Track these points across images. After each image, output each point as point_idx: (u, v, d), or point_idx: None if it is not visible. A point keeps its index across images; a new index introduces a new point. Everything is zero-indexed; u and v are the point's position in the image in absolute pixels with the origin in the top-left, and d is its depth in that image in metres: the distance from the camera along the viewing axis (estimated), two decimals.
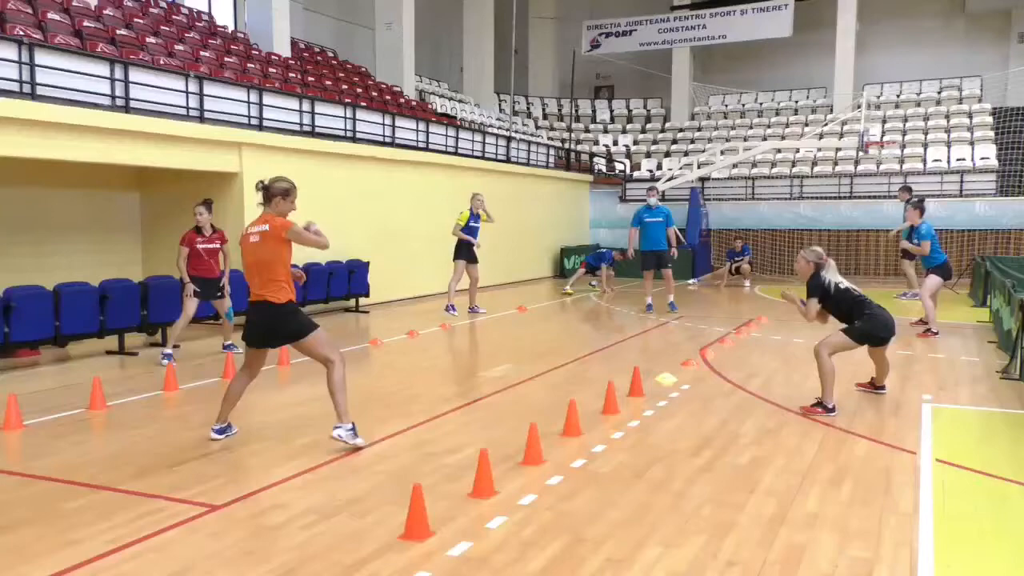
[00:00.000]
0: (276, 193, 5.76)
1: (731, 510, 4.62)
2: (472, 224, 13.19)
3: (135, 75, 10.77)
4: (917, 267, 13.79)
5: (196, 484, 5.05)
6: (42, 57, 9.66)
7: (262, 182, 5.80)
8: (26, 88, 9.39)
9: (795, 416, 6.78)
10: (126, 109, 10.49)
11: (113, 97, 10.43)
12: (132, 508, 4.64)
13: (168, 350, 9.12)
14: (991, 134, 22.93)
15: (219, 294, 9.58)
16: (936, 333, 10.92)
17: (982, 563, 4.00)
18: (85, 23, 12.14)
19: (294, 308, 5.72)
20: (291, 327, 5.70)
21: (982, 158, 21.71)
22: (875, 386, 7.55)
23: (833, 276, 6.98)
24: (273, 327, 5.71)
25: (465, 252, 13.25)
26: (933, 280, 11.17)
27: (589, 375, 8.57)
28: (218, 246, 9.53)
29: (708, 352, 9.80)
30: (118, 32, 12.68)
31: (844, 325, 7.02)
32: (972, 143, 22.63)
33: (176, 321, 9.31)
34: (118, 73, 10.51)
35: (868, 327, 6.91)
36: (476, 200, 13.32)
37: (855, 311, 6.94)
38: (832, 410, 6.77)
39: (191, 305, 9.23)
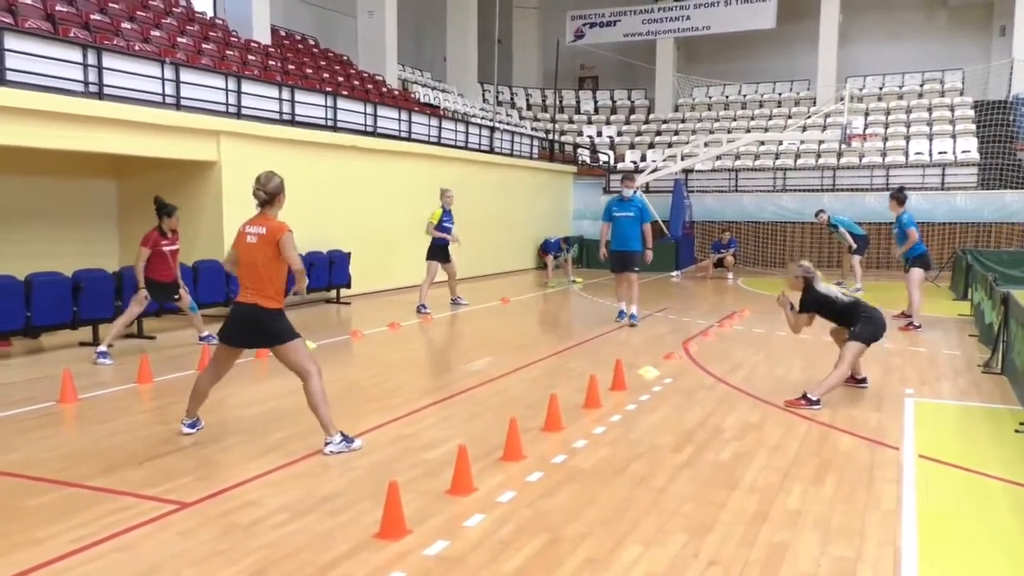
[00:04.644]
0: (277, 191, 5.52)
1: (713, 508, 4.55)
2: (445, 223, 12.73)
3: (109, 61, 10.52)
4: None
5: (166, 480, 4.92)
6: (12, 42, 9.40)
7: (259, 184, 5.48)
8: None
9: (778, 410, 6.73)
10: (100, 96, 10.25)
11: (86, 83, 10.19)
12: (99, 505, 4.51)
13: (103, 348, 8.65)
14: (972, 127, 22.99)
15: (176, 297, 9.27)
16: (918, 327, 10.93)
17: (966, 562, 3.95)
18: (58, 7, 11.84)
19: (281, 313, 5.54)
20: (272, 328, 5.48)
21: (963, 151, 21.77)
22: (856, 380, 7.52)
23: (826, 288, 7.16)
24: (255, 327, 5.50)
25: (439, 253, 12.82)
26: (917, 273, 11.19)
27: (571, 368, 8.48)
28: (178, 247, 9.19)
29: (691, 345, 9.74)
30: (92, 17, 12.39)
31: (832, 325, 7.38)
32: (954, 136, 22.70)
33: (117, 319, 8.90)
34: (91, 59, 10.27)
35: (871, 329, 7.04)
36: (447, 197, 12.83)
37: (852, 314, 7.11)
38: (817, 403, 6.75)
39: (137, 308, 8.87)
